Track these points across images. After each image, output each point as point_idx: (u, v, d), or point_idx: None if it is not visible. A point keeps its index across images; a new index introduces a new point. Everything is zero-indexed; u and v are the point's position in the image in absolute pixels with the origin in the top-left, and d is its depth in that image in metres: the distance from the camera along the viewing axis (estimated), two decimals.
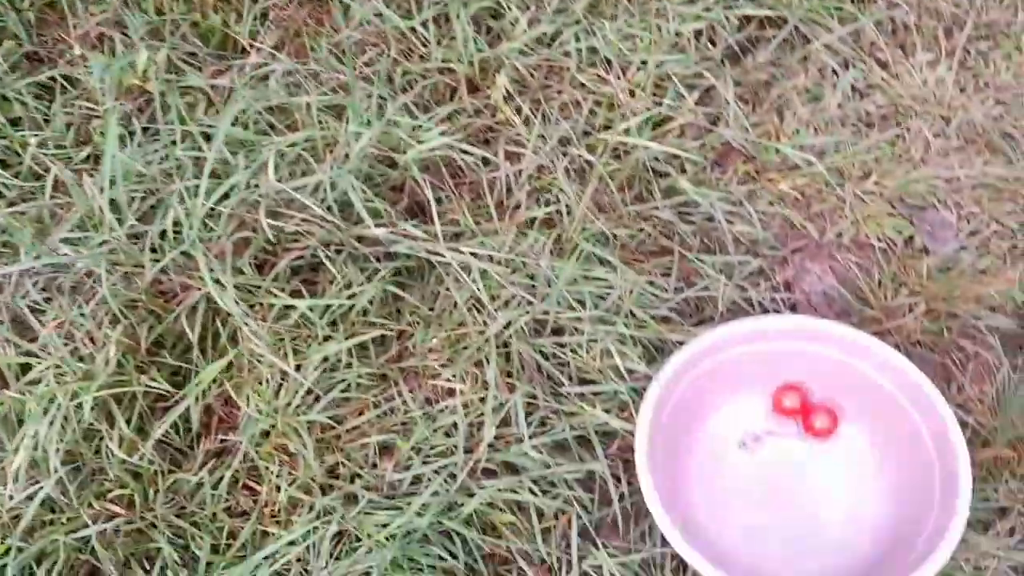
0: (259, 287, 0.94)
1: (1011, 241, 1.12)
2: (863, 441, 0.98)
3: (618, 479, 0.96)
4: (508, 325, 0.97)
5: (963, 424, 0.94)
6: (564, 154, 1.06)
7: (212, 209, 0.95)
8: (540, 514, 0.94)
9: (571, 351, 0.98)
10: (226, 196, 0.96)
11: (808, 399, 1.00)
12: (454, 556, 0.89)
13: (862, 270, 1.11)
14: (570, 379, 0.98)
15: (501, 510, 0.94)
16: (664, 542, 0.88)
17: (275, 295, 0.93)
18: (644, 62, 1.13)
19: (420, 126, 1.04)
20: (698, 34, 1.19)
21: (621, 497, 0.95)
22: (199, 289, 0.95)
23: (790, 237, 1.14)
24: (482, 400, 0.94)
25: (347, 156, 0.98)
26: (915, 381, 0.91)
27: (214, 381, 0.94)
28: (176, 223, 0.95)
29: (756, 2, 1.21)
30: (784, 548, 0.93)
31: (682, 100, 1.14)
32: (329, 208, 0.96)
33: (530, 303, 0.97)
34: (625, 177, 1.10)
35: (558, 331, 1.00)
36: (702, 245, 1.10)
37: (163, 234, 0.96)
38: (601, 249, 1.02)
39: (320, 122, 1.05)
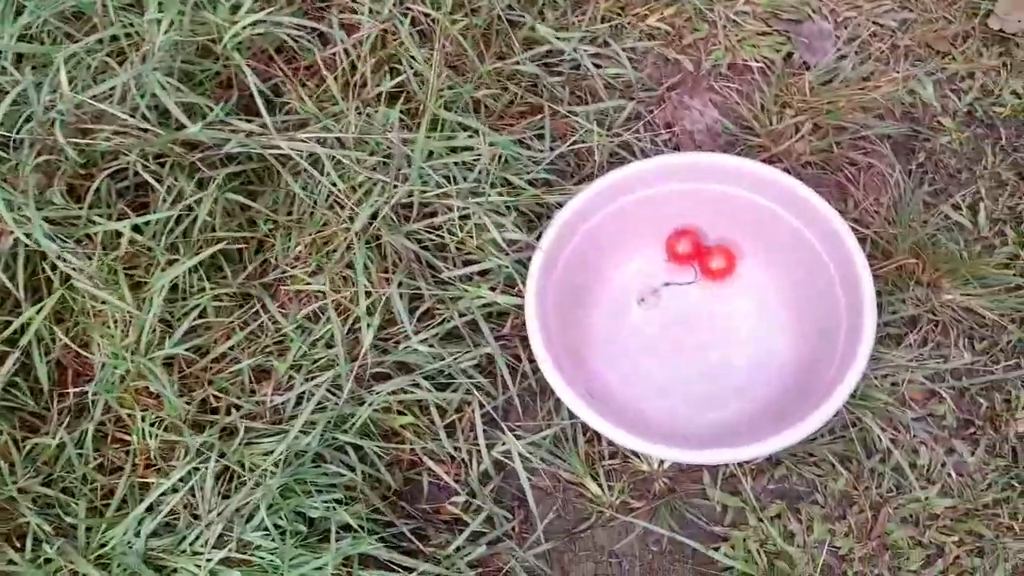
0: (79, 217, 0.82)
1: (891, 41, 1.07)
2: (763, 275, 0.94)
3: (518, 358, 0.90)
4: (375, 216, 0.88)
5: (862, 240, 0.90)
6: (405, 14, 0.94)
7: (5, 137, 0.82)
8: (441, 410, 0.88)
9: (447, 232, 0.90)
10: (24, 120, 0.82)
11: (702, 242, 0.95)
12: (353, 469, 0.83)
13: (743, 97, 1.05)
14: (453, 263, 0.91)
15: (400, 412, 0.87)
16: (573, 414, 0.83)
17: (97, 223, 0.81)
18: None
19: (237, 6, 0.91)
20: None
21: (523, 376, 0.90)
22: (11, 232, 0.82)
23: (664, 74, 1.06)
24: (356, 302, 0.86)
25: (153, 52, 0.85)
26: (803, 196, 0.86)
27: (50, 332, 0.84)
28: None
29: None
30: (696, 399, 0.90)
31: None
32: (144, 116, 0.84)
33: (395, 187, 0.88)
34: (480, 33, 0.99)
35: (430, 214, 0.91)
36: (573, 97, 1.01)
37: None
38: (463, 116, 0.93)
39: (122, 22, 0.91)
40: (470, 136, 0.90)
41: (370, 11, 0.92)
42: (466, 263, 0.90)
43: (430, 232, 0.90)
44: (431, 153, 0.89)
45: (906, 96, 1.03)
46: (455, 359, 0.87)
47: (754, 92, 1.05)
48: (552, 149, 0.96)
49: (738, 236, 0.94)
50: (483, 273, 0.90)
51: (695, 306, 0.94)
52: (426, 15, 0.96)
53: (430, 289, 0.89)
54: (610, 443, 0.88)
